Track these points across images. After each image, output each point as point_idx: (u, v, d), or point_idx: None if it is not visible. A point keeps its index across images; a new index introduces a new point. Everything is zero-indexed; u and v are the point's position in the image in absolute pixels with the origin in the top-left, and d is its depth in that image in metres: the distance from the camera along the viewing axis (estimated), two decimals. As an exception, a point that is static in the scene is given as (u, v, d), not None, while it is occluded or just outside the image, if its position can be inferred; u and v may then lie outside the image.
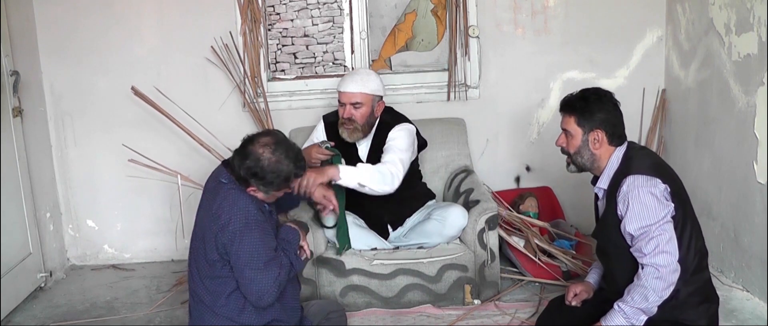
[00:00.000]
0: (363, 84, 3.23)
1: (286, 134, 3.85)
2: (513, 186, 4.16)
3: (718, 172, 3.47)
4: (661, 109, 4.03)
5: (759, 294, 3.17)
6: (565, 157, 2.60)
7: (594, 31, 3.99)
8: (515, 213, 3.79)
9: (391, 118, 3.37)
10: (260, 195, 2.46)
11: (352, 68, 4.04)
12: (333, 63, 4.09)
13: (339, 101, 3.28)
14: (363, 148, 3.36)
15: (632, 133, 4.00)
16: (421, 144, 3.43)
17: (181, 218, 3.91)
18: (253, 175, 2.41)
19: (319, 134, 3.42)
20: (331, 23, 4.04)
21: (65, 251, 4.09)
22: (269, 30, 4.04)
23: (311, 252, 2.67)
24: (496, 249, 3.31)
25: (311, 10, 4.03)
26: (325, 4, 4.02)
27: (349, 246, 3.25)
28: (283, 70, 4.10)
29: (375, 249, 3.32)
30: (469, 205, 3.37)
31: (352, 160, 3.27)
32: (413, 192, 3.43)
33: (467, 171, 3.77)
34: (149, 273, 3.95)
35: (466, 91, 4.02)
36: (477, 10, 3.95)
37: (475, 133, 4.02)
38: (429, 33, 4.09)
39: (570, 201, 4.05)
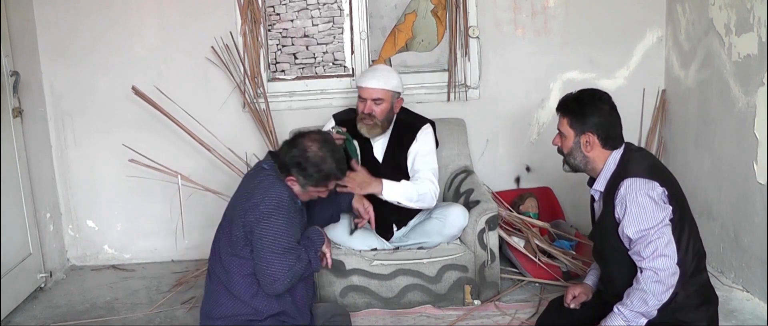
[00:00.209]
0: (385, 80, 3.26)
1: (286, 135, 3.87)
2: (513, 186, 4.16)
3: (718, 172, 3.47)
4: (661, 110, 4.03)
5: (759, 294, 3.17)
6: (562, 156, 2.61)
7: (594, 31, 3.99)
8: (515, 214, 3.79)
9: (409, 117, 3.42)
10: (296, 188, 2.53)
11: (352, 69, 4.04)
12: (333, 63, 4.09)
13: (359, 96, 3.30)
14: (379, 146, 3.37)
15: (632, 134, 4.01)
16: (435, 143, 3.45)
17: (181, 218, 3.91)
18: (296, 164, 2.50)
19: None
20: (331, 23, 4.04)
21: (65, 251, 4.09)
22: (269, 30, 4.04)
23: (331, 262, 2.73)
24: (496, 250, 3.31)
25: (311, 10, 4.03)
26: (325, 4, 4.02)
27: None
28: (283, 71, 4.10)
29: (375, 249, 3.32)
30: (469, 206, 3.37)
31: (368, 157, 3.29)
32: None
33: (467, 172, 3.77)
34: (149, 273, 3.95)
35: (466, 91, 4.02)
36: (477, 10, 3.95)
37: (475, 133, 4.02)
38: (429, 33, 4.09)
39: (570, 201, 4.05)
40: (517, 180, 4.17)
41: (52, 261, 3.87)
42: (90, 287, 3.79)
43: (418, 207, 3.24)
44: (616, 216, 2.39)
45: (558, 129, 2.57)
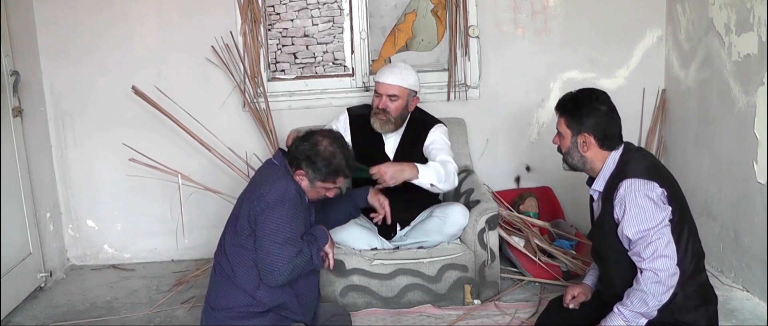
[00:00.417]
0: (402, 77, 3.28)
1: (286, 134, 3.88)
2: (513, 186, 4.16)
3: (718, 172, 3.47)
4: (661, 109, 4.03)
5: (759, 294, 3.18)
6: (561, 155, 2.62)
7: (594, 31, 3.99)
8: (515, 213, 3.79)
9: (424, 117, 3.44)
10: (305, 183, 2.56)
11: (352, 68, 4.04)
12: (333, 63, 4.09)
13: (375, 91, 3.31)
14: (391, 143, 3.38)
15: (632, 133, 4.01)
16: None
17: (181, 218, 3.91)
18: (306, 158, 2.53)
19: (342, 124, 3.43)
20: (331, 23, 4.04)
21: (65, 251, 4.09)
22: (269, 30, 4.04)
23: (334, 263, 2.75)
24: (496, 249, 3.31)
25: (311, 10, 4.03)
26: (325, 4, 4.02)
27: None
28: (283, 70, 4.10)
29: (375, 249, 3.32)
30: (469, 205, 3.37)
31: (379, 153, 3.29)
32: (424, 193, 3.43)
33: (467, 172, 3.77)
34: (149, 273, 3.95)
35: (466, 91, 4.02)
36: (477, 10, 3.95)
37: (475, 133, 4.02)
38: (429, 33, 4.09)
39: (570, 201, 4.05)
40: (517, 179, 4.17)
41: (52, 261, 3.87)
42: (90, 287, 3.79)
43: (445, 188, 3.16)
44: (615, 216, 2.39)
45: (556, 128, 2.57)
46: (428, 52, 4.11)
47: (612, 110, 2.50)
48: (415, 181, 3.07)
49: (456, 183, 3.22)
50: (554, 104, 2.60)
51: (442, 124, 3.43)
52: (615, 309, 2.38)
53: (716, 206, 3.49)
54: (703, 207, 3.56)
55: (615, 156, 2.49)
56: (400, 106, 3.29)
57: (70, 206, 4.08)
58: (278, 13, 4.03)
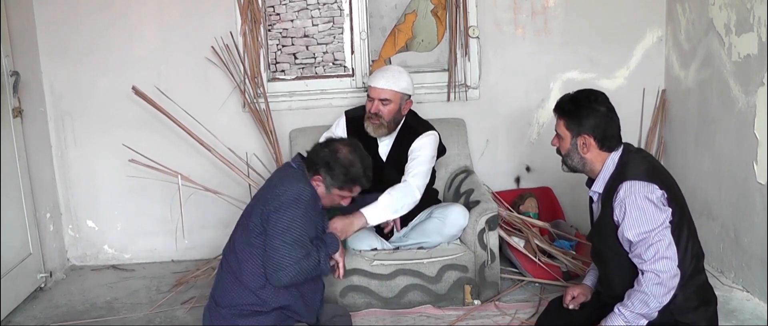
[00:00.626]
0: (394, 81, 3.26)
1: (287, 135, 3.89)
2: (513, 186, 4.16)
3: (718, 172, 3.47)
4: (661, 110, 4.03)
5: (759, 294, 3.17)
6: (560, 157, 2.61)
7: (594, 31, 3.99)
8: (515, 214, 3.79)
9: (416, 122, 3.41)
10: (321, 189, 2.59)
11: (352, 69, 4.04)
12: (333, 63, 4.09)
13: (368, 95, 3.30)
14: (384, 146, 3.37)
15: (632, 134, 4.01)
16: (441, 150, 3.44)
17: (181, 218, 3.91)
18: (324, 164, 2.56)
19: (340, 130, 3.42)
20: (331, 24, 4.04)
21: (65, 251, 4.09)
22: (269, 30, 4.04)
23: (344, 273, 2.75)
24: (496, 250, 3.31)
25: (311, 10, 4.03)
26: (325, 4, 4.02)
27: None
28: (283, 71, 4.10)
29: (375, 249, 3.32)
30: (469, 206, 3.37)
31: (373, 156, 3.28)
32: (424, 195, 3.43)
33: (467, 172, 3.77)
34: (149, 273, 3.95)
35: (466, 91, 4.02)
36: (477, 10, 3.95)
37: (475, 133, 4.02)
38: (429, 33, 4.09)
39: (570, 201, 4.05)
40: (517, 180, 4.17)
41: (52, 261, 3.87)
42: (90, 287, 3.79)
43: (406, 211, 3.15)
44: (615, 218, 2.39)
45: (555, 130, 2.57)
46: (428, 53, 4.11)
47: (611, 111, 2.49)
48: (369, 225, 3.02)
49: (418, 197, 3.15)
50: (554, 105, 2.60)
51: (432, 132, 3.36)
52: (615, 310, 2.38)
53: (716, 206, 3.49)
54: (703, 208, 3.56)
55: (614, 157, 2.48)
56: (392, 110, 3.27)
57: (70, 206, 4.08)
58: (278, 14, 4.03)
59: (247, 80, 3.90)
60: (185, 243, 4.06)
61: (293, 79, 4.07)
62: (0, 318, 3.27)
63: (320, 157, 2.59)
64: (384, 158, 3.36)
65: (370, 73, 4.01)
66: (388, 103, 3.25)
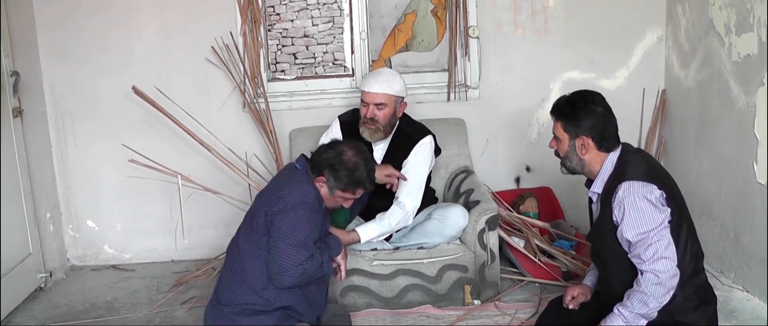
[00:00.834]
0: (388, 85, 3.23)
1: (286, 135, 3.89)
2: (513, 186, 4.16)
3: (718, 172, 3.47)
4: (661, 110, 4.03)
5: (759, 294, 3.17)
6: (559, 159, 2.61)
7: (594, 31, 3.99)
8: (515, 214, 3.79)
9: (410, 127, 3.39)
10: (324, 190, 2.59)
11: (352, 69, 4.04)
12: (333, 63, 4.09)
13: (362, 100, 3.28)
14: (379, 151, 3.36)
15: (632, 134, 4.01)
16: (436, 151, 3.43)
17: (181, 218, 3.91)
18: (329, 166, 2.57)
19: (335, 134, 3.41)
20: (331, 24, 4.04)
21: (65, 251, 4.09)
22: (269, 30, 4.04)
23: (345, 275, 2.77)
24: (496, 250, 3.31)
25: (311, 10, 4.03)
26: (325, 4, 4.02)
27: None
28: (283, 71, 4.10)
29: (375, 249, 3.32)
30: (469, 206, 3.37)
31: None
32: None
33: (467, 172, 3.77)
34: (149, 273, 3.95)
35: (466, 91, 4.02)
36: (477, 10, 3.95)
37: (475, 133, 4.02)
38: (429, 33, 4.09)
39: (570, 201, 4.04)
40: (517, 180, 4.17)
41: (52, 261, 3.87)
42: (90, 287, 3.79)
43: (399, 228, 3.27)
44: (614, 219, 2.39)
45: (553, 132, 2.57)
46: (428, 53, 4.11)
47: (608, 111, 2.49)
48: (362, 242, 3.18)
49: (408, 223, 3.26)
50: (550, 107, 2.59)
51: (428, 138, 3.35)
52: (615, 310, 2.38)
53: (716, 206, 3.49)
54: (703, 208, 3.56)
55: (613, 157, 2.48)
56: (388, 113, 3.25)
57: (70, 206, 4.08)
58: (278, 14, 4.03)
59: (247, 80, 3.90)
60: (185, 243, 4.06)
61: (293, 79, 4.07)
62: (0, 318, 3.27)
63: (325, 159, 2.59)
64: (379, 163, 3.35)
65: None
66: (383, 107, 3.23)
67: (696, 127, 3.68)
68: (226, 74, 3.92)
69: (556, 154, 2.59)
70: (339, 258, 2.70)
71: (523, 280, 3.54)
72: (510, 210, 3.81)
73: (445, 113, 3.96)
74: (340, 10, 4.02)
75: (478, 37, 3.96)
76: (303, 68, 4.09)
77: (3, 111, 3.42)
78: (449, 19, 3.99)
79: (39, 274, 3.69)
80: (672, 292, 2.32)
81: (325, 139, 3.39)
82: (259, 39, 3.91)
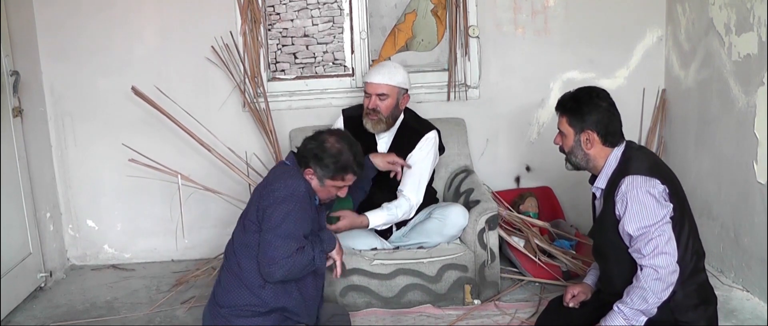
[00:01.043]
0: (390, 76, 3.27)
1: (287, 134, 3.89)
2: (513, 186, 4.16)
3: (718, 172, 3.47)
4: (661, 109, 4.03)
5: (759, 294, 3.17)
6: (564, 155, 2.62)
7: (594, 31, 3.99)
8: (515, 213, 3.79)
9: (415, 121, 3.42)
10: (315, 182, 2.59)
11: (352, 68, 4.04)
12: (333, 63, 4.09)
13: (365, 92, 3.31)
14: (383, 143, 3.37)
15: (632, 133, 4.01)
16: (440, 149, 3.44)
17: (181, 218, 3.91)
18: (313, 156, 2.57)
19: (339, 127, 3.44)
20: (331, 23, 4.04)
21: (65, 251, 4.09)
22: (269, 30, 4.04)
23: (342, 272, 2.75)
24: (496, 249, 3.31)
25: (311, 10, 4.03)
26: (325, 4, 4.02)
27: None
28: (283, 70, 4.10)
29: (375, 249, 3.32)
30: (469, 205, 3.37)
31: (371, 152, 3.28)
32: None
33: (467, 172, 3.77)
34: (149, 273, 3.95)
35: (466, 91, 4.02)
36: (477, 10, 3.95)
37: (475, 133, 4.02)
38: (429, 33, 4.09)
39: (570, 201, 4.05)
40: (517, 179, 4.17)
41: (52, 261, 3.87)
42: (90, 287, 3.79)
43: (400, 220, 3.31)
44: (617, 213, 2.40)
45: (558, 128, 2.58)
46: (428, 52, 4.11)
47: (612, 106, 2.51)
48: (368, 227, 3.21)
49: (411, 215, 3.29)
50: (554, 104, 2.60)
51: (433, 132, 3.37)
52: (615, 308, 2.38)
53: (716, 206, 3.49)
54: (703, 207, 3.56)
55: (617, 153, 2.49)
56: (390, 104, 3.28)
57: (70, 206, 4.08)
58: (278, 13, 4.03)
59: (247, 80, 3.90)
60: (185, 243, 4.06)
61: (293, 79, 4.07)
62: (0, 318, 3.27)
63: (309, 150, 2.59)
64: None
65: (370, 72, 4.02)
66: (385, 97, 3.26)
67: (696, 126, 3.68)
68: (226, 74, 3.92)
69: (561, 149, 2.59)
70: (333, 254, 2.67)
71: (523, 280, 3.54)
72: (510, 210, 3.81)
73: (445, 113, 3.96)
74: (340, 9, 4.02)
75: (478, 37, 3.96)
76: (303, 68, 4.09)
77: (3, 111, 3.42)
78: (449, 19, 3.99)
79: (39, 274, 3.69)
80: (671, 288, 2.33)
81: None
82: (259, 38, 3.91)
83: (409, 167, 3.25)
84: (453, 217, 3.27)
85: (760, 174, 3.10)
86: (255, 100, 3.91)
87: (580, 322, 2.59)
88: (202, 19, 3.88)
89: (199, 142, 3.81)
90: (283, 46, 4.07)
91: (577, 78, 4.00)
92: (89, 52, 3.91)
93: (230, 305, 2.57)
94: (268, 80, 4.03)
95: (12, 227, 3.45)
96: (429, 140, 3.34)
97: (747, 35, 3.16)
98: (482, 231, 3.26)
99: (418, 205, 3.30)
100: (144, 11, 3.89)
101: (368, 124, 3.30)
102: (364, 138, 3.31)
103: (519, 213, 3.82)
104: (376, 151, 3.34)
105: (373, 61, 4.07)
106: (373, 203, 3.25)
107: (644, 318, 2.36)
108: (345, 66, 4.08)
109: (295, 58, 4.08)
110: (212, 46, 3.87)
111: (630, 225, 2.34)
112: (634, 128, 4.03)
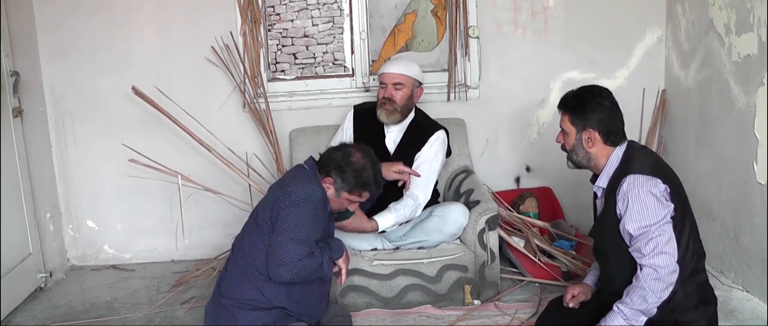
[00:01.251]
0: (406, 67, 3.40)
1: (287, 135, 3.89)
2: (513, 186, 4.16)
3: (718, 172, 3.47)
4: (661, 109, 4.03)
5: (759, 294, 3.17)
6: (565, 153, 2.62)
7: (594, 31, 3.99)
8: (515, 214, 3.79)
9: (425, 120, 3.49)
10: (331, 191, 2.61)
11: (352, 69, 4.04)
12: (333, 63, 4.09)
13: (381, 83, 3.40)
14: (392, 137, 3.41)
15: (632, 133, 4.00)
16: (447, 152, 3.49)
17: (181, 218, 3.91)
18: (336, 167, 2.59)
19: (347, 123, 3.52)
20: (331, 24, 4.04)
21: (65, 251, 4.09)
22: (269, 30, 4.04)
23: (344, 279, 2.76)
24: (496, 250, 3.31)
25: (311, 10, 4.03)
26: (325, 4, 4.02)
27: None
28: (283, 71, 4.10)
29: (375, 249, 3.32)
30: (469, 206, 3.37)
31: (380, 149, 3.31)
32: None
33: (467, 172, 3.77)
34: (149, 273, 3.95)
35: (466, 91, 4.02)
36: (477, 10, 3.95)
37: (475, 133, 4.02)
38: (429, 33, 4.09)
39: (570, 201, 4.05)
40: (517, 180, 4.17)
41: (52, 261, 3.87)
42: (90, 287, 3.79)
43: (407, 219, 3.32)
44: (618, 212, 2.40)
45: (560, 126, 2.58)
46: (428, 53, 4.11)
47: (615, 105, 2.51)
48: (379, 230, 3.23)
49: (417, 214, 3.31)
50: (554, 104, 2.62)
51: (442, 132, 3.43)
52: (615, 308, 2.38)
53: (716, 206, 3.49)
54: (703, 207, 3.56)
55: (619, 152, 2.49)
56: (405, 94, 3.35)
57: (70, 206, 4.08)
58: (278, 14, 4.03)
59: (247, 80, 3.90)
60: (185, 243, 4.06)
61: (293, 79, 4.07)
62: (0, 318, 3.27)
63: (333, 160, 2.61)
64: (391, 150, 3.38)
65: (371, 73, 4.02)
66: (401, 87, 3.34)
67: (696, 126, 3.68)
68: (226, 74, 3.92)
69: (563, 148, 2.60)
70: (340, 262, 2.69)
71: (523, 280, 3.54)
72: (510, 210, 3.81)
73: (445, 113, 3.96)
74: (340, 10, 4.02)
75: (478, 37, 3.96)
76: (303, 68, 4.10)
77: (3, 111, 3.42)
78: (449, 19, 3.99)
79: (39, 274, 3.69)
80: (671, 288, 2.33)
81: (339, 132, 3.53)
82: (259, 39, 3.91)
83: (418, 175, 3.26)
84: (454, 215, 3.27)
85: (760, 175, 3.10)
86: (255, 101, 3.91)
87: (580, 322, 2.59)
88: (202, 20, 3.88)
89: (199, 142, 3.81)
90: (283, 46, 4.07)
91: (577, 78, 4.00)
92: (89, 52, 3.91)
93: (233, 298, 2.59)
94: (268, 80, 4.03)
95: (12, 227, 3.45)
96: (438, 139, 3.40)
97: (747, 35, 3.16)
98: (482, 231, 3.26)
99: (425, 203, 3.31)
100: (144, 11, 3.89)
101: (382, 115, 3.36)
102: (373, 131, 3.36)
103: (519, 213, 3.82)
104: (384, 144, 3.36)
105: (373, 61, 4.07)
106: (380, 205, 3.26)
107: (644, 318, 2.36)
108: (345, 66, 4.08)
109: (295, 58, 4.08)
110: (212, 47, 3.87)
111: (631, 224, 2.34)
112: (634, 128, 4.03)
